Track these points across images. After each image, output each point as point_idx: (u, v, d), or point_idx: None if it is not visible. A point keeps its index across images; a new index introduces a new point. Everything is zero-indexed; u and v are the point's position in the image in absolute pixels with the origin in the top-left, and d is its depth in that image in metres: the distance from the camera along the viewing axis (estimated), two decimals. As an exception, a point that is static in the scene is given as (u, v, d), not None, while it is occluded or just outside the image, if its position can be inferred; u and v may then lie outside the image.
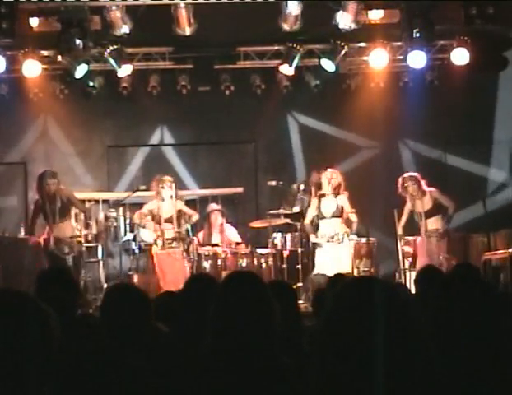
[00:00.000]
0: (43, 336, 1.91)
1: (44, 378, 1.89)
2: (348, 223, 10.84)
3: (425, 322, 2.01)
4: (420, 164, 12.47)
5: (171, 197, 10.96)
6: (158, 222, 11.02)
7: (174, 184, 11.07)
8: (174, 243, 10.90)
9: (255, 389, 2.68)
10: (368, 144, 13.10)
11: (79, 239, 10.61)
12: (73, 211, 10.76)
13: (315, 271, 10.70)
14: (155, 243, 10.99)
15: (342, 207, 10.78)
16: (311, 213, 10.97)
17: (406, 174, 10.86)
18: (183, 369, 2.86)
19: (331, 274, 10.16)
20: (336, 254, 10.63)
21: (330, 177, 10.80)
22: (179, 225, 11.05)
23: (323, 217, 10.80)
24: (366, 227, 11.01)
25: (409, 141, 13.00)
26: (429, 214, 10.63)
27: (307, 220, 11.02)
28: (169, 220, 10.98)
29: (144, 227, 11.17)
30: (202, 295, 3.91)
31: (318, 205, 10.80)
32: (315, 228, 10.93)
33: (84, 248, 10.79)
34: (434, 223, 10.65)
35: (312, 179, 11.39)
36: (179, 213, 11.12)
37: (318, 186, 10.97)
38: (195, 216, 11.28)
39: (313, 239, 10.90)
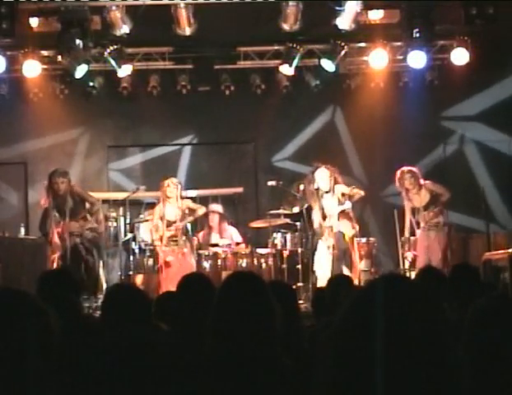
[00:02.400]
0: (42, 336, 1.91)
1: (44, 378, 1.89)
2: (352, 195, 10.67)
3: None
4: (420, 164, 12.46)
5: (177, 197, 10.90)
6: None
7: (179, 185, 11.04)
8: (179, 241, 10.86)
9: (255, 390, 2.68)
10: (368, 143, 13.09)
11: (89, 226, 10.51)
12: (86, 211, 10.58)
13: (315, 268, 10.60)
14: (160, 240, 10.95)
15: (343, 194, 10.61)
16: (317, 217, 10.75)
17: (404, 168, 10.80)
18: (183, 368, 2.86)
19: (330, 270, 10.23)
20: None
21: (323, 174, 10.67)
22: (182, 221, 10.96)
23: (326, 216, 10.68)
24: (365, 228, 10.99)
25: (409, 140, 12.99)
26: (427, 207, 10.61)
27: (316, 225, 10.81)
28: (174, 223, 10.94)
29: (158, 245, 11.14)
30: (195, 294, 3.92)
31: (320, 205, 10.67)
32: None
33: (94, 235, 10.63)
34: (433, 216, 10.63)
35: (306, 185, 11.11)
36: (186, 211, 11.04)
37: (317, 191, 10.77)
38: (201, 210, 11.17)
39: (321, 244, 10.72)
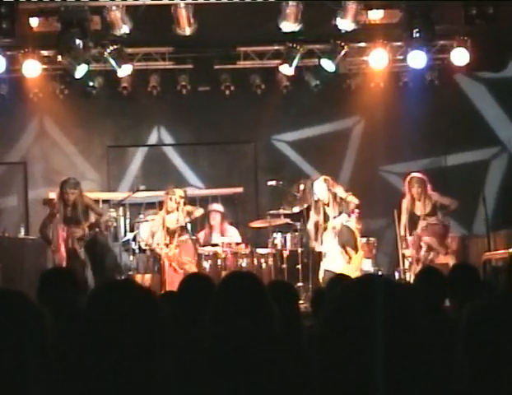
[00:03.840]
0: (37, 336, 1.91)
1: (40, 378, 1.89)
2: (346, 203, 10.62)
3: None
4: (419, 165, 12.46)
5: (177, 209, 10.86)
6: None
7: (183, 200, 10.95)
8: (182, 237, 10.87)
9: (254, 390, 2.68)
10: (368, 144, 13.10)
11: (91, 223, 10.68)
12: (92, 216, 10.76)
13: (322, 266, 10.58)
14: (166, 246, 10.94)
15: (340, 199, 10.59)
16: (313, 217, 10.75)
17: (414, 175, 10.75)
18: (183, 369, 2.86)
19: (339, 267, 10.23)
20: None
21: (322, 187, 10.64)
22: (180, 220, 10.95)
23: (328, 219, 10.64)
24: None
25: (408, 141, 12.99)
26: (428, 216, 10.63)
27: (310, 225, 10.80)
28: (174, 231, 10.91)
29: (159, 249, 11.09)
30: (197, 294, 3.91)
31: (319, 211, 10.63)
32: (319, 233, 10.76)
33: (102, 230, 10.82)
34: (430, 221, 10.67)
35: (303, 188, 11.07)
36: (183, 214, 11.00)
37: (316, 203, 10.70)
38: (198, 211, 11.15)
39: (317, 247, 10.69)
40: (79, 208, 10.48)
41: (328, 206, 10.64)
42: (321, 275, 10.57)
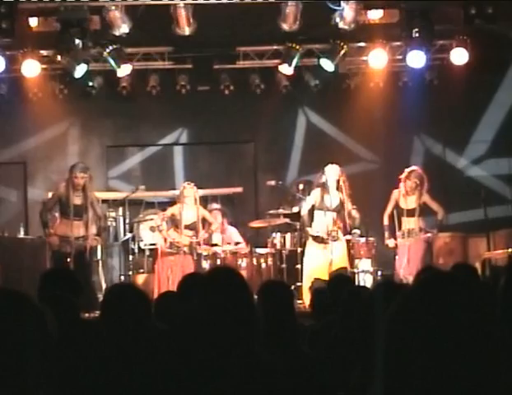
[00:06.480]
0: (39, 336, 1.92)
1: (42, 378, 1.89)
2: (350, 219, 10.61)
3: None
4: (419, 165, 12.45)
5: (195, 200, 10.82)
6: (177, 226, 10.83)
7: (195, 188, 10.87)
8: (185, 249, 10.79)
9: (236, 386, 2.69)
10: (368, 144, 13.10)
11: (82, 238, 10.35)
12: (90, 213, 10.31)
13: (305, 271, 10.55)
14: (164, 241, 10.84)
15: (344, 203, 10.47)
16: (310, 202, 10.61)
17: (416, 168, 10.74)
18: (183, 368, 2.86)
19: (320, 274, 10.20)
20: (329, 253, 10.47)
21: (333, 171, 10.60)
22: (198, 232, 10.82)
23: (327, 209, 10.49)
24: (366, 227, 10.98)
25: (409, 141, 12.99)
26: (410, 214, 10.61)
27: (304, 211, 10.65)
28: (189, 227, 10.80)
29: (159, 230, 10.96)
30: (194, 294, 3.92)
31: (322, 196, 10.53)
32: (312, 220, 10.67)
33: (87, 248, 10.43)
34: (412, 223, 10.63)
35: (317, 180, 11.02)
36: (203, 221, 10.90)
37: (323, 185, 10.66)
38: (214, 225, 11.13)
39: (310, 231, 10.56)
40: (83, 203, 10.08)
41: (333, 189, 10.50)
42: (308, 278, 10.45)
